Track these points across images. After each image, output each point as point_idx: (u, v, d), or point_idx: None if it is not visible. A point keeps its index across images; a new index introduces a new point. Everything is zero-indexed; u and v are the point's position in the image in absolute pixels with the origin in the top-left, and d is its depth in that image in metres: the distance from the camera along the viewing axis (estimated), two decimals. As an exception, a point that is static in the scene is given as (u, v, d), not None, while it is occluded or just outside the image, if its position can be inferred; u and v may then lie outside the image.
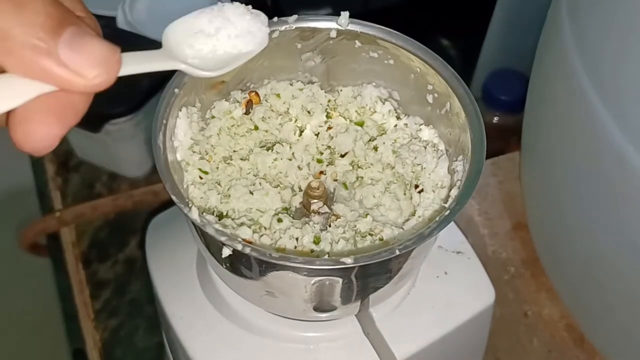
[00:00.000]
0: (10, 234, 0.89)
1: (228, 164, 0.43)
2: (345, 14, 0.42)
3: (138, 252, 0.70)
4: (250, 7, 0.37)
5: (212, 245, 0.38)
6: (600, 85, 0.38)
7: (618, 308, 0.44)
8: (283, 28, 0.43)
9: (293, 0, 0.81)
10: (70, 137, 0.75)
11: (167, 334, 0.50)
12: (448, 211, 0.36)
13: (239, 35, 0.36)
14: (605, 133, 0.38)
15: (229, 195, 0.41)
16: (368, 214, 0.41)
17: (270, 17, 0.42)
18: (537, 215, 0.53)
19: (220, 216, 0.40)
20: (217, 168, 0.42)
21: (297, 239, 0.39)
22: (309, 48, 0.44)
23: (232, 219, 0.40)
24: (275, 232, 0.39)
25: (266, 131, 0.45)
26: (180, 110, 0.41)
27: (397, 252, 0.34)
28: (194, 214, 0.35)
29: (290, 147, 0.44)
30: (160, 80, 0.67)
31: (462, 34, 0.86)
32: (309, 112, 0.45)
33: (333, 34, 0.43)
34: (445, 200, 0.40)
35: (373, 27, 0.43)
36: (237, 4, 0.36)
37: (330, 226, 0.40)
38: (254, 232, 0.39)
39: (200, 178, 0.41)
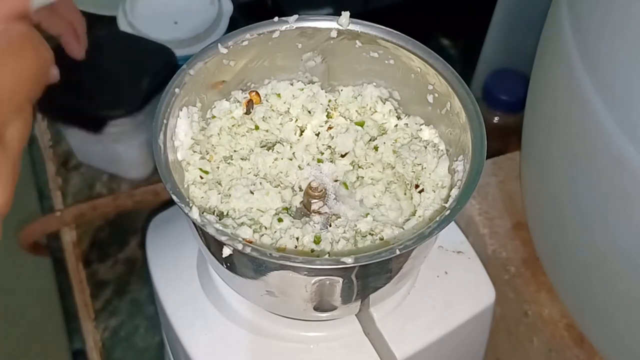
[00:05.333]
0: (10, 234, 0.89)
1: (229, 163, 0.43)
2: (345, 14, 0.42)
3: (138, 252, 0.70)
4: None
5: (212, 245, 0.38)
6: (600, 85, 0.38)
7: (618, 308, 0.44)
8: (284, 28, 0.43)
9: (293, 0, 0.81)
10: (71, 140, 0.75)
11: (168, 334, 0.50)
12: (448, 211, 0.36)
13: None
14: (605, 133, 0.38)
15: (230, 195, 0.41)
16: (368, 214, 0.41)
17: (270, 17, 0.43)
18: (537, 215, 0.53)
19: (221, 216, 0.40)
20: (218, 168, 0.43)
21: (297, 238, 0.39)
22: (309, 48, 0.44)
23: (233, 219, 0.40)
24: (275, 231, 0.39)
25: (267, 131, 0.45)
26: (181, 110, 0.41)
27: (398, 252, 0.34)
28: (195, 214, 0.35)
29: (291, 147, 0.44)
30: (161, 81, 0.67)
31: (462, 34, 0.86)
32: (309, 112, 0.45)
33: (334, 34, 0.43)
34: (446, 200, 0.40)
35: (373, 27, 0.43)
36: None
37: (330, 226, 0.40)
38: (254, 231, 0.39)
39: (201, 178, 0.41)
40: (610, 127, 0.37)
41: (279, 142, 0.44)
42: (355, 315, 0.44)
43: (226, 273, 0.40)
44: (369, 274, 0.38)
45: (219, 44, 0.42)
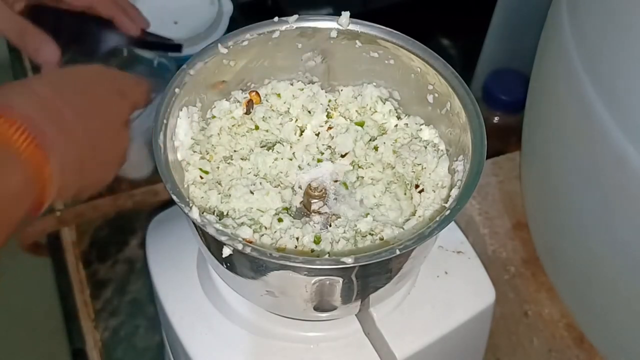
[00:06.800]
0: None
1: (229, 163, 0.43)
2: (345, 14, 0.42)
3: (138, 252, 0.70)
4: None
5: (212, 245, 0.38)
6: (600, 85, 0.38)
7: (618, 308, 0.44)
8: (284, 28, 0.43)
9: (293, 0, 0.81)
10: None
11: (167, 334, 0.50)
12: (448, 211, 0.36)
13: None
14: (605, 133, 0.38)
15: (230, 195, 0.41)
16: (368, 214, 0.41)
17: (270, 17, 0.43)
18: (537, 215, 0.53)
19: (221, 216, 0.40)
20: (218, 168, 0.43)
21: (297, 238, 0.39)
22: (309, 48, 0.44)
23: (233, 219, 0.40)
24: (275, 231, 0.39)
25: (267, 131, 0.45)
26: (181, 110, 0.41)
27: (398, 252, 0.34)
28: (195, 214, 0.35)
29: (291, 147, 0.44)
30: (161, 42, 0.66)
31: (462, 34, 0.86)
32: (309, 112, 0.45)
33: (334, 34, 0.43)
34: (446, 200, 0.40)
35: (373, 27, 0.43)
36: None
37: (330, 226, 0.40)
38: (254, 231, 0.39)
39: (201, 178, 0.41)
40: (610, 127, 0.37)
41: (279, 142, 0.44)
42: (355, 315, 0.44)
43: (226, 273, 0.40)
44: (369, 274, 0.38)
45: (219, 44, 0.42)
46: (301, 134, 0.45)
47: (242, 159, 0.43)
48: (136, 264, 0.69)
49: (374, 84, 0.45)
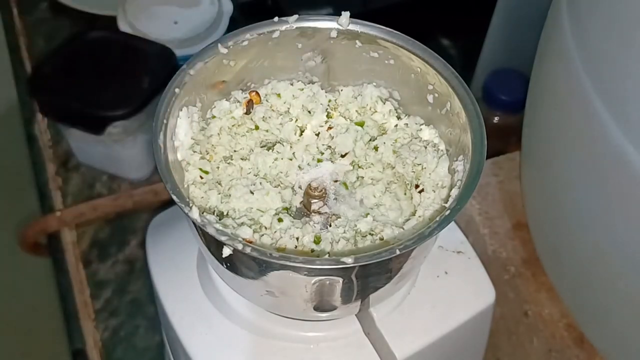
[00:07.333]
0: (10, 234, 0.90)
1: (229, 163, 0.43)
2: (345, 14, 0.42)
3: (138, 252, 0.70)
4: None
5: (212, 245, 0.38)
6: (600, 85, 0.38)
7: (618, 308, 0.44)
8: (284, 28, 0.43)
9: (293, 0, 0.81)
10: (71, 141, 0.75)
11: (167, 334, 0.50)
12: (448, 211, 0.36)
13: None
14: (605, 133, 0.38)
15: (230, 195, 0.41)
16: (368, 214, 0.41)
17: (270, 17, 0.43)
18: (537, 215, 0.53)
19: (221, 216, 0.40)
20: (218, 168, 0.43)
21: (297, 238, 0.39)
22: (309, 48, 0.44)
23: (233, 219, 0.40)
24: (275, 231, 0.39)
25: (267, 131, 0.45)
26: (181, 110, 0.41)
27: (398, 252, 0.34)
28: (195, 214, 0.35)
29: (291, 147, 0.44)
30: (161, 81, 0.67)
31: (462, 34, 0.86)
32: (309, 112, 0.45)
33: (334, 34, 0.43)
34: (446, 200, 0.40)
35: (374, 27, 0.43)
36: None
37: (330, 226, 0.40)
38: (254, 231, 0.39)
39: (201, 178, 0.41)
40: (610, 127, 0.37)
41: (279, 142, 0.44)
42: (355, 315, 0.44)
43: (226, 273, 0.40)
44: (369, 274, 0.38)
45: (219, 44, 0.42)
46: (301, 134, 0.45)
47: (242, 159, 0.43)
48: (136, 264, 0.69)
49: (374, 84, 0.45)
